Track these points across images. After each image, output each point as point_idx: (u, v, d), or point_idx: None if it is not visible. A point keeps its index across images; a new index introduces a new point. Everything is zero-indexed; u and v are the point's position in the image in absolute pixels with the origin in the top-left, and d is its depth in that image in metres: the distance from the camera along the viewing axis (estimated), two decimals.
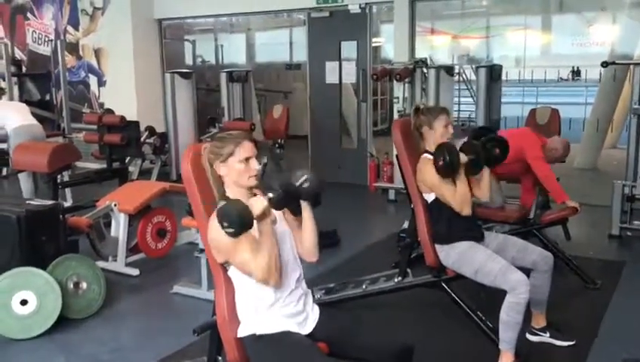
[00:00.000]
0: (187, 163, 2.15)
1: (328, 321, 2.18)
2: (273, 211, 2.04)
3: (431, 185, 3.03)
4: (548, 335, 3.20)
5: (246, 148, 2.10)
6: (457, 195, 2.97)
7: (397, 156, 3.29)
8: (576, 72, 12.32)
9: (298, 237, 2.20)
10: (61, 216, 3.78)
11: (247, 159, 2.10)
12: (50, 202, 3.88)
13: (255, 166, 2.11)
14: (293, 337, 2.06)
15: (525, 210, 4.29)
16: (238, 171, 2.09)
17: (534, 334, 3.21)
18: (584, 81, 9.90)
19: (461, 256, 2.99)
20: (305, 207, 2.14)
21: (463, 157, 2.99)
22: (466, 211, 2.98)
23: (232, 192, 2.12)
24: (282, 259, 2.09)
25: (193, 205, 2.17)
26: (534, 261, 3.06)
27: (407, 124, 3.20)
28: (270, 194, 1.96)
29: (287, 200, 2.02)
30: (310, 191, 2.09)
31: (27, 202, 3.85)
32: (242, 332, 2.11)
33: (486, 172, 3.11)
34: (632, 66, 5.88)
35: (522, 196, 4.40)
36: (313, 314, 2.19)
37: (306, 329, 2.13)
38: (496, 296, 2.89)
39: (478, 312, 3.10)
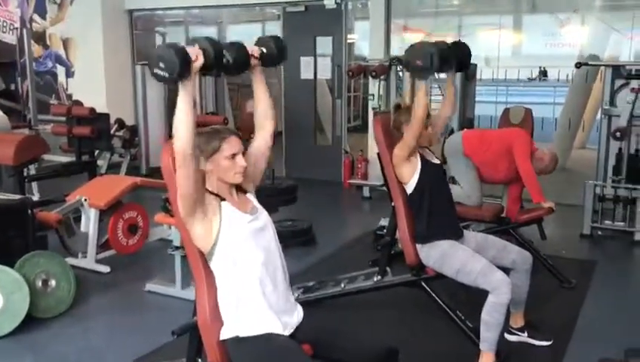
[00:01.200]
0: (168, 157, 2.06)
1: (312, 322, 2.13)
2: (252, 200, 2.07)
3: (402, 145, 2.98)
4: (526, 334, 3.20)
5: (232, 144, 2.03)
6: (416, 104, 2.88)
7: (378, 153, 3.25)
8: (543, 72, 12.53)
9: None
10: (30, 211, 3.64)
11: (233, 155, 2.03)
12: (18, 196, 3.75)
13: (242, 163, 2.04)
14: (276, 339, 2.00)
15: (501, 208, 4.32)
16: (224, 167, 2.02)
17: (512, 334, 3.21)
18: (556, 80, 10.04)
19: (442, 256, 2.97)
20: (258, 72, 2.21)
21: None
22: (422, 112, 2.86)
23: (213, 186, 2.06)
24: (266, 251, 2.04)
25: (172, 203, 2.08)
26: (514, 260, 3.05)
27: (388, 120, 3.16)
28: (264, 50, 2.12)
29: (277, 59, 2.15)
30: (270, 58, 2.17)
31: None
32: (225, 334, 2.04)
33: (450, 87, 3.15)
34: (603, 67, 5.97)
35: (508, 204, 4.42)
36: (297, 313, 2.14)
37: (290, 329, 2.07)
38: (477, 295, 2.88)
39: (458, 312, 3.09)
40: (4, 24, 9.40)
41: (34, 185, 6.19)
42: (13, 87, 9.22)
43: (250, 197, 2.16)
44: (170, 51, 1.77)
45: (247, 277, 2.00)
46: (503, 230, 4.16)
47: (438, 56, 2.79)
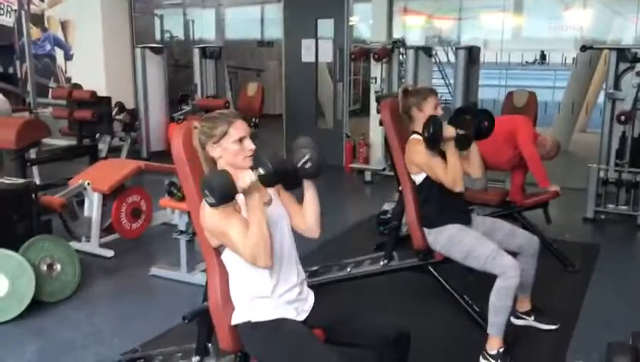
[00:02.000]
0: (179, 142, 2.04)
1: (323, 307, 2.13)
2: (267, 190, 1.98)
3: (422, 163, 2.98)
4: (532, 318, 3.21)
5: (239, 128, 2.01)
6: (449, 170, 2.91)
7: (385, 137, 3.23)
8: (542, 56, 12.46)
9: (294, 212, 2.13)
10: (34, 195, 3.62)
11: (241, 139, 2.00)
12: (22, 180, 3.72)
13: (250, 146, 2.01)
14: (289, 325, 1.99)
15: (507, 192, 4.30)
16: (232, 152, 2.00)
17: (519, 318, 3.21)
18: (559, 64, 10.00)
19: (450, 240, 2.96)
20: (308, 186, 2.08)
21: (452, 131, 2.94)
22: (459, 187, 2.92)
23: None
24: (278, 241, 2.02)
25: (185, 187, 2.07)
26: (520, 244, 3.05)
27: (396, 105, 3.13)
28: (261, 170, 1.86)
29: (279, 178, 1.92)
30: (311, 173, 2.00)
31: None
32: (236, 319, 2.03)
33: (474, 147, 3.06)
34: (607, 51, 5.93)
35: (512, 191, 4.40)
36: (309, 299, 2.13)
37: (303, 315, 2.07)
38: (485, 278, 2.88)
39: (465, 296, 3.09)
40: (2, 6, 9.30)
41: (34, 169, 6.15)
42: (11, 70, 9.17)
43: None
44: (215, 181, 1.81)
45: (261, 269, 1.98)
46: (508, 214, 4.16)
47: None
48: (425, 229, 3.07)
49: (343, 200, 6.42)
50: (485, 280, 2.86)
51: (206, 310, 2.10)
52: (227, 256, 2.02)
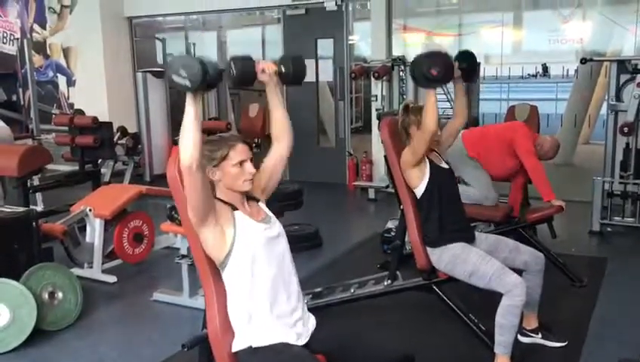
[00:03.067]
0: (174, 168, 2.02)
1: (325, 331, 2.09)
2: (265, 211, 2.05)
3: (409, 153, 2.95)
4: (539, 336, 3.15)
5: (240, 151, 2.00)
6: (427, 111, 2.81)
7: (385, 156, 3.21)
8: (544, 69, 12.42)
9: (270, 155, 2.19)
10: (34, 223, 3.61)
11: (241, 163, 1.99)
12: (22, 208, 3.71)
13: (251, 169, 2.00)
14: (291, 349, 1.96)
15: (510, 208, 4.26)
16: (232, 175, 1.99)
17: (526, 335, 3.16)
18: (560, 76, 9.98)
19: (454, 259, 2.92)
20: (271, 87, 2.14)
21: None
22: (433, 126, 2.80)
23: (223, 195, 2.02)
24: (278, 257, 2.01)
25: (181, 212, 2.05)
26: (526, 261, 3.01)
27: (396, 123, 3.12)
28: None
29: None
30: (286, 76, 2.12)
31: None
32: (237, 345, 2.00)
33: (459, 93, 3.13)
34: (608, 63, 5.92)
35: (512, 193, 4.36)
36: (310, 323, 2.10)
37: (303, 339, 2.03)
38: (491, 296, 2.83)
39: (471, 315, 3.04)
40: (5, 35, 9.40)
41: (38, 195, 6.16)
42: (14, 97, 9.22)
43: (262, 205, 2.12)
44: (195, 62, 1.76)
45: (261, 287, 1.97)
46: (513, 229, 4.12)
47: (452, 67, 2.78)
48: (428, 248, 3.03)
49: (347, 219, 6.39)
50: (491, 299, 2.82)
51: (205, 337, 2.06)
52: (228, 274, 1.99)
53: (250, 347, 1.97)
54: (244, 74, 2.04)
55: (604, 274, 4.25)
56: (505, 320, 2.73)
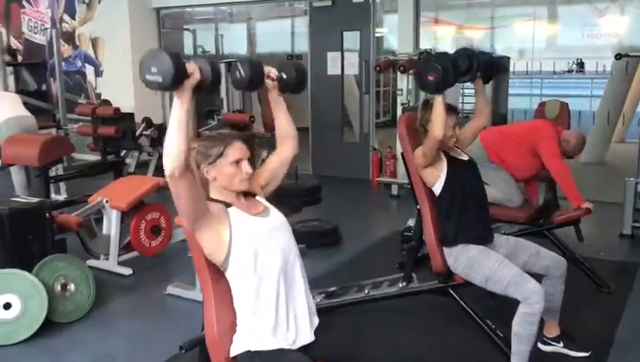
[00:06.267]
0: None
1: (327, 339, 2.01)
2: (262, 202, 2.00)
3: (421, 152, 2.85)
4: (561, 344, 3.01)
5: (236, 150, 1.92)
6: (435, 115, 2.72)
7: (402, 153, 3.10)
8: (579, 64, 12.04)
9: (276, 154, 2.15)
10: (48, 214, 3.59)
11: (237, 161, 1.91)
12: (36, 199, 3.69)
13: (247, 169, 1.92)
14: (290, 356, 1.88)
15: (535, 209, 4.10)
16: (228, 174, 1.91)
17: (547, 344, 3.02)
18: (594, 72, 9.68)
19: (471, 262, 2.80)
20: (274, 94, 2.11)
21: None
22: (439, 131, 2.70)
23: (217, 194, 1.95)
24: (284, 252, 1.93)
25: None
26: (547, 266, 2.87)
27: (413, 120, 3.01)
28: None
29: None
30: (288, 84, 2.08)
31: (12, 199, 3.66)
32: (235, 349, 1.92)
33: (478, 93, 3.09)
34: None
35: (528, 188, 4.19)
36: (314, 323, 2.01)
37: (305, 336, 1.95)
38: (508, 301, 2.71)
39: (488, 321, 2.92)
40: (35, 25, 9.50)
41: (61, 185, 6.20)
42: (44, 87, 9.31)
43: (260, 199, 2.04)
44: (165, 56, 1.64)
45: (266, 281, 1.89)
46: (537, 231, 3.96)
47: (451, 72, 2.69)
48: (445, 250, 2.91)
49: (369, 215, 6.28)
50: (510, 304, 2.70)
51: (203, 339, 2.00)
52: (231, 273, 1.92)
53: (249, 351, 1.90)
54: (255, 75, 1.97)
55: (633, 280, 4.07)
56: (522, 329, 2.60)
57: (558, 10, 8.24)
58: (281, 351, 1.89)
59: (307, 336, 1.95)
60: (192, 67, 1.72)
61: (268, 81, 2.05)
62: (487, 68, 2.99)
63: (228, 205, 1.93)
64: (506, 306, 2.76)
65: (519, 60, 8.66)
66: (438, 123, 2.69)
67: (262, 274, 1.89)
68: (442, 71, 2.66)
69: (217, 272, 1.94)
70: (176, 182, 1.74)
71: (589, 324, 3.35)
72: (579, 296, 3.56)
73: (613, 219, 5.11)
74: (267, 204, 2.04)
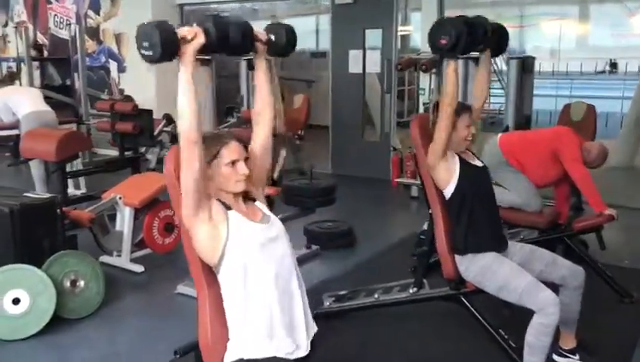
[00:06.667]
0: (171, 165, 1.90)
1: (324, 347, 1.94)
2: (261, 208, 1.94)
3: (434, 139, 2.72)
4: (577, 357, 2.89)
5: (232, 150, 1.86)
6: (448, 84, 2.60)
7: (414, 154, 3.01)
8: (612, 65, 11.65)
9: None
10: (59, 210, 3.58)
11: (233, 162, 1.85)
12: (47, 195, 3.69)
13: (243, 170, 1.86)
14: None
15: (556, 214, 3.97)
16: (223, 176, 1.85)
17: (562, 356, 2.90)
18: (624, 73, 9.40)
19: (483, 271, 2.69)
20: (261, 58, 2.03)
21: None
22: (453, 100, 2.61)
23: (214, 195, 1.89)
24: (278, 262, 1.87)
25: (175, 211, 1.93)
26: (563, 276, 2.75)
27: (427, 120, 2.92)
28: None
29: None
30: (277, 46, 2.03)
31: (24, 195, 3.66)
32: (228, 357, 1.87)
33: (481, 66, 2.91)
34: None
35: (557, 205, 4.07)
36: (310, 332, 1.94)
37: (301, 347, 1.88)
38: (523, 310, 2.60)
39: (501, 330, 2.82)
40: (61, 20, 9.60)
41: (81, 180, 6.23)
42: (68, 82, 9.41)
43: (260, 205, 1.98)
44: (154, 30, 1.63)
45: (257, 290, 1.84)
46: (557, 238, 3.83)
47: (464, 37, 2.50)
48: (457, 257, 2.81)
49: (386, 217, 6.18)
50: (524, 313, 2.59)
51: (197, 345, 1.94)
52: (223, 276, 1.87)
53: (242, 359, 1.84)
54: (244, 37, 1.89)
55: None
56: (535, 340, 2.49)
57: (588, 9, 8.03)
58: (274, 359, 1.83)
59: (304, 348, 1.89)
60: (192, 31, 1.72)
61: (260, 46, 1.98)
62: (501, 38, 2.87)
63: (228, 208, 1.87)
64: (522, 316, 2.65)
65: (548, 60, 8.45)
66: (449, 90, 2.57)
67: (251, 288, 1.84)
68: (456, 34, 2.49)
69: (212, 275, 1.89)
70: (192, 146, 1.73)
71: (608, 336, 3.22)
72: (598, 305, 3.42)
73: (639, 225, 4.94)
74: (268, 211, 1.98)
